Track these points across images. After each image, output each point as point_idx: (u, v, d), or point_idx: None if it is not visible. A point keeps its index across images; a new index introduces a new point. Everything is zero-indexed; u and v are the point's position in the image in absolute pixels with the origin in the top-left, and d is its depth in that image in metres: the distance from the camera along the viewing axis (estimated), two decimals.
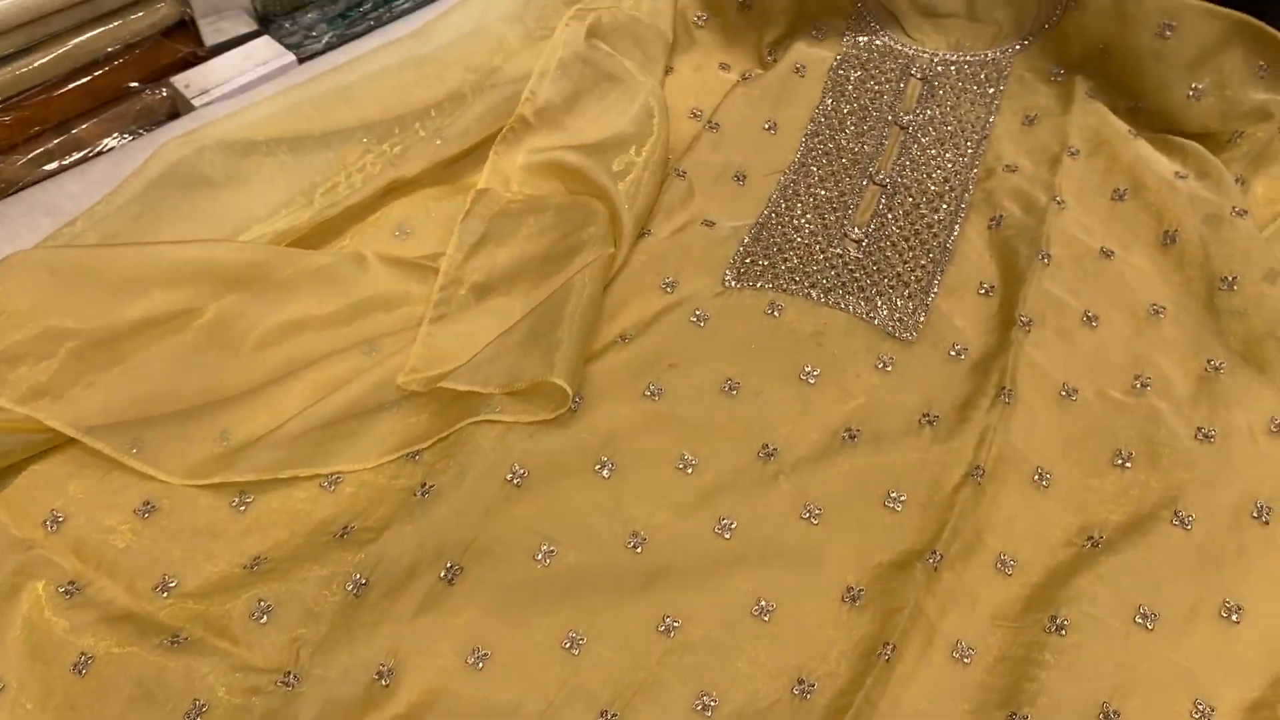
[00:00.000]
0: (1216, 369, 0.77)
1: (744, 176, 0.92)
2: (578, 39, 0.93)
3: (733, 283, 0.83)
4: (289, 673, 0.62)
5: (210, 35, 0.98)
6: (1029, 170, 0.90)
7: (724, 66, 1.03)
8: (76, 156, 0.93)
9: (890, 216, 0.88)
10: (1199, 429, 0.73)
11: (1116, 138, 0.91)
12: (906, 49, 1.00)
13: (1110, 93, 0.95)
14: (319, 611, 0.64)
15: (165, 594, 0.66)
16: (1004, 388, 0.74)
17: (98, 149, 0.94)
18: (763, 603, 0.65)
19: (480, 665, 0.62)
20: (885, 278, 0.83)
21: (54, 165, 0.91)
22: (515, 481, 0.69)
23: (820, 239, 0.87)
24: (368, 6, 1.08)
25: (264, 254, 0.79)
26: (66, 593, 0.65)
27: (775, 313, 0.81)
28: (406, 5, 1.11)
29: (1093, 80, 0.96)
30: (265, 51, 0.99)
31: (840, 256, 0.85)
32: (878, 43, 1.01)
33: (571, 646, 0.63)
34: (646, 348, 0.78)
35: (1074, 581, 0.66)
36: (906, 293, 0.82)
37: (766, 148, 0.95)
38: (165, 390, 0.74)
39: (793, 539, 0.69)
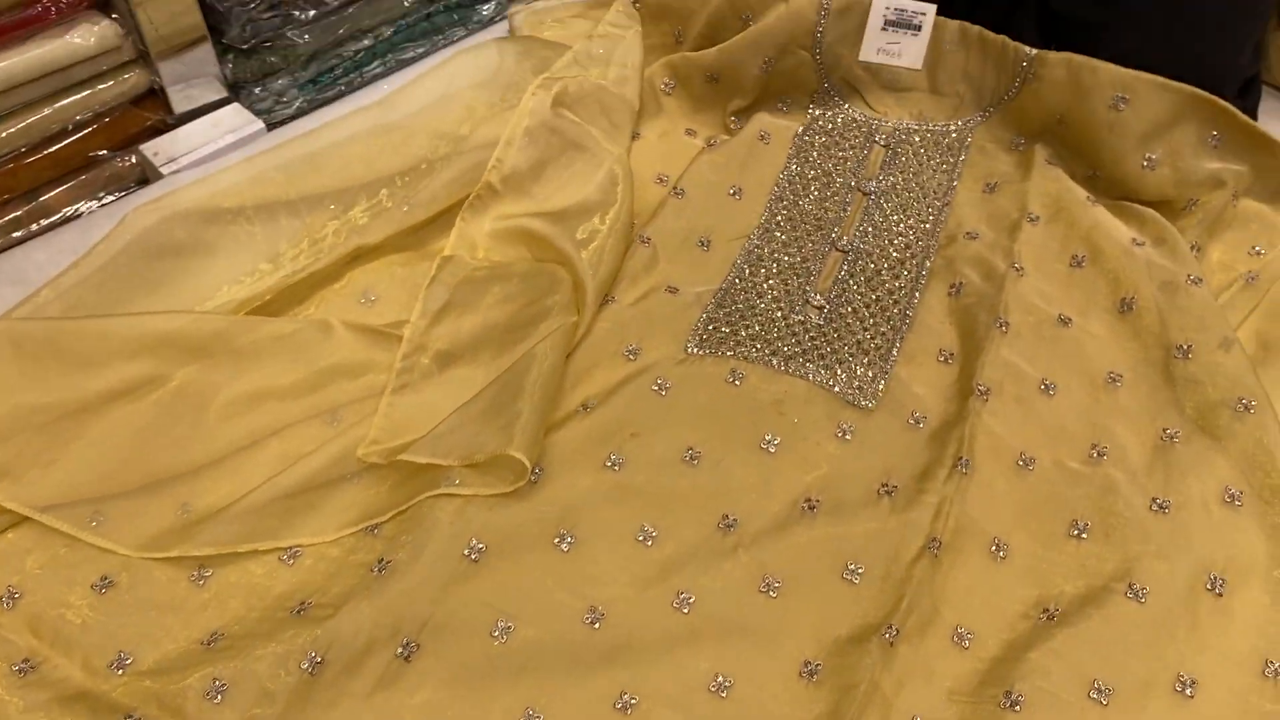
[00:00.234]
0: (1172, 438, 0.77)
1: (708, 242, 0.93)
2: (544, 108, 0.95)
3: (695, 350, 0.83)
4: None
5: (180, 102, 0.99)
6: (989, 237, 0.92)
7: (690, 132, 1.05)
8: (44, 224, 0.93)
9: (852, 283, 0.89)
10: (1154, 499, 0.74)
11: (1075, 204, 0.92)
12: (870, 119, 1.02)
13: (1069, 160, 0.97)
14: (274, 690, 0.64)
15: (121, 671, 0.65)
16: (961, 457, 0.75)
17: (65, 216, 0.94)
18: (720, 679, 0.65)
19: None
20: (846, 345, 0.84)
21: (21, 233, 0.92)
22: (473, 556, 0.69)
23: (783, 305, 0.87)
24: (339, 72, 1.09)
25: (226, 323, 0.79)
26: (20, 670, 0.65)
27: (737, 381, 0.81)
28: (377, 70, 1.12)
29: (1052, 148, 0.97)
30: (234, 119, 1.00)
31: (802, 323, 0.86)
32: (841, 115, 1.02)
33: None
34: (608, 417, 0.78)
35: (1028, 656, 0.66)
36: (866, 360, 0.83)
37: (731, 213, 0.96)
38: (128, 462, 0.75)
39: (751, 613, 0.69)
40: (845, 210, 0.95)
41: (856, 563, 0.71)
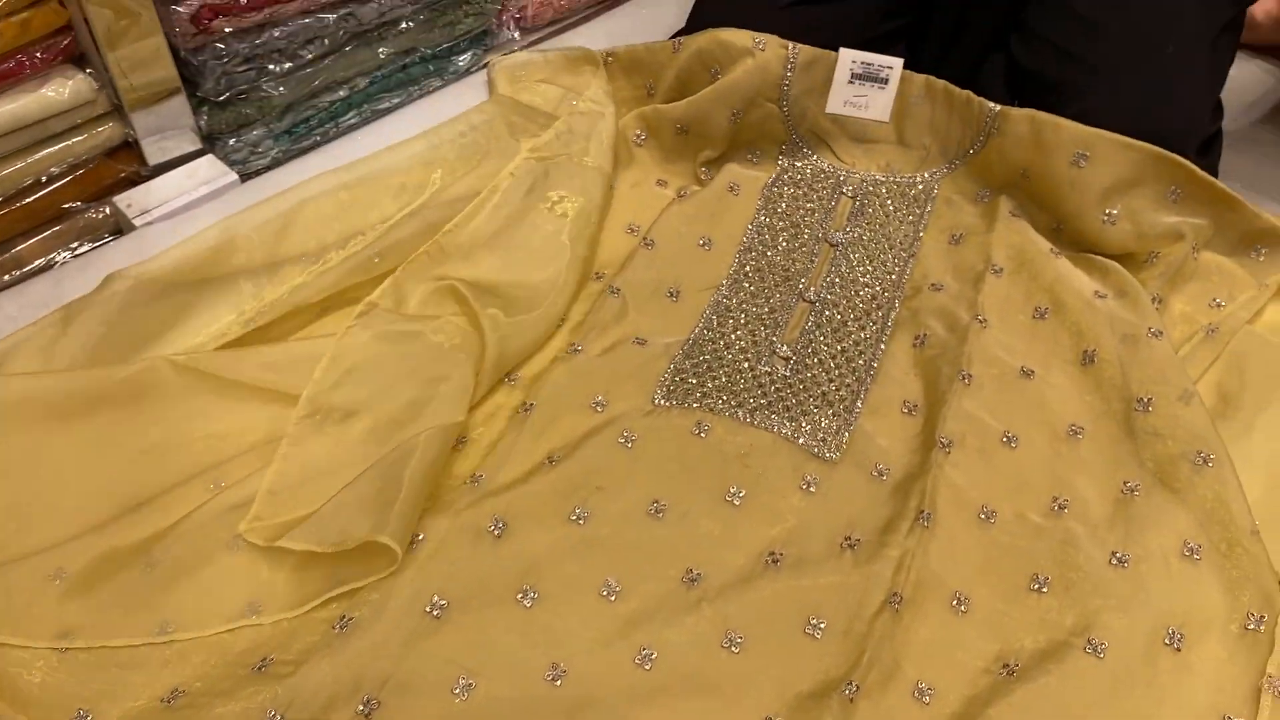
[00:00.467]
0: (1132, 491, 0.78)
1: (677, 293, 0.94)
2: (522, 184, 0.96)
3: (662, 401, 0.84)
4: None
5: (154, 154, 0.99)
6: (954, 288, 0.93)
7: (661, 183, 1.06)
8: (16, 274, 0.93)
9: (819, 334, 0.90)
10: (1114, 553, 0.74)
11: (1038, 256, 0.94)
12: (838, 170, 1.04)
13: (1034, 213, 0.98)
14: None
15: None
16: (923, 510, 0.75)
17: (38, 267, 0.95)
18: None
19: None
20: (811, 396, 0.85)
21: None
22: (435, 613, 0.69)
23: (750, 356, 0.88)
24: (314, 123, 1.10)
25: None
26: None
27: (702, 433, 0.82)
28: (353, 120, 1.13)
29: (1017, 200, 0.99)
30: (208, 170, 1.01)
31: (769, 374, 0.87)
32: (810, 166, 1.04)
33: None
34: (574, 470, 0.78)
35: (988, 712, 0.66)
36: (831, 412, 0.84)
37: (700, 263, 0.97)
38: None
39: (714, 669, 0.69)
40: (813, 261, 0.96)
41: (819, 617, 0.71)
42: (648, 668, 0.68)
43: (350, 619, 0.69)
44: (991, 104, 0.98)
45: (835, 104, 1.02)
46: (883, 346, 0.89)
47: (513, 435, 0.81)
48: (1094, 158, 0.92)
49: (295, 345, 0.86)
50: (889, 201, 1.01)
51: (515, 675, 0.67)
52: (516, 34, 1.25)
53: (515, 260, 0.92)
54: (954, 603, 0.72)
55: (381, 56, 1.11)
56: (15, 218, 0.95)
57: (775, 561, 0.74)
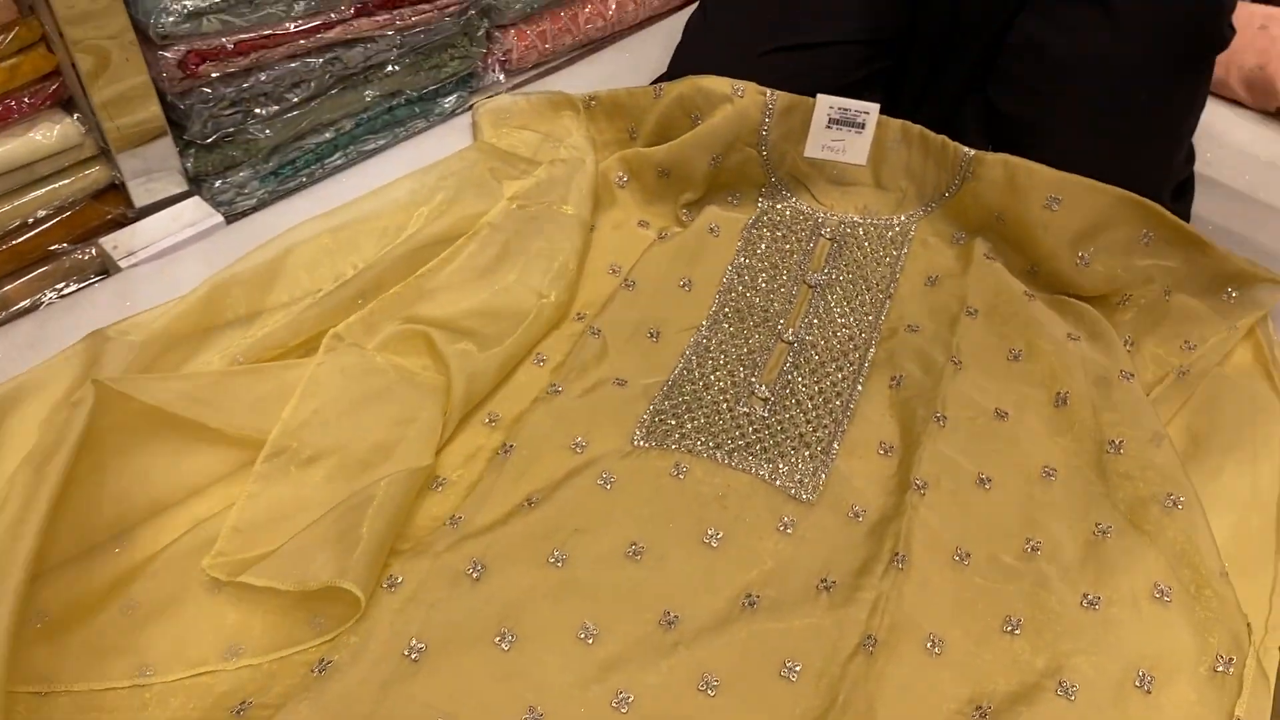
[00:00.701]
0: (1104, 533, 0.79)
1: (658, 333, 0.95)
2: (501, 231, 0.98)
3: (641, 442, 0.85)
4: None
5: (140, 196, 1.00)
6: (929, 330, 0.94)
7: (643, 224, 1.07)
8: (3, 315, 0.94)
9: (796, 374, 0.91)
10: (1085, 595, 0.75)
11: (1013, 299, 0.95)
12: (817, 213, 1.05)
13: (1009, 255, 1.00)
14: None
15: None
16: (898, 553, 0.76)
17: (23, 308, 0.95)
18: None
19: None
20: (789, 438, 0.86)
21: None
22: (413, 656, 0.70)
23: (729, 397, 0.89)
24: (300, 164, 1.11)
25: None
26: None
27: (681, 474, 0.83)
28: (339, 162, 1.15)
29: (992, 243, 1.00)
30: (194, 212, 1.02)
31: (747, 415, 0.88)
32: (789, 208, 1.05)
33: None
34: (553, 512, 0.79)
35: None
36: (808, 453, 0.85)
37: (681, 304, 0.98)
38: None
39: (690, 712, 0.69)
40: (791, 302, 0.98)
41: (794, 660, 0.72)
42: (624, 711, 0.69)
43: (329, 662, 0.69)
44: (966, 149, 1.00)
45: (813, 148, 1.04)
46: (859, 387, 0.90)
47: (492, 477, 0.82)
48: (1066, 201, 0.94)
49: (265, 378, 0.85)
50: (866, 243, 1.02)
51: (493, 719, 0.68)
52: (501, 76, 1.27)
53: (489, 299, 0.93)
54: (928, 645, 0.73)
55: (367, 99, 1.13)
56: (2, 259, 0.96)
57: (752, 604, 0.75)
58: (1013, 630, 0.74)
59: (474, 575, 0.74)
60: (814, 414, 0.88)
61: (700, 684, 0.70)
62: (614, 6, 1.35)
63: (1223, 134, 1.22)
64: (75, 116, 0.95)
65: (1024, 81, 1.05)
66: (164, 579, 0.74)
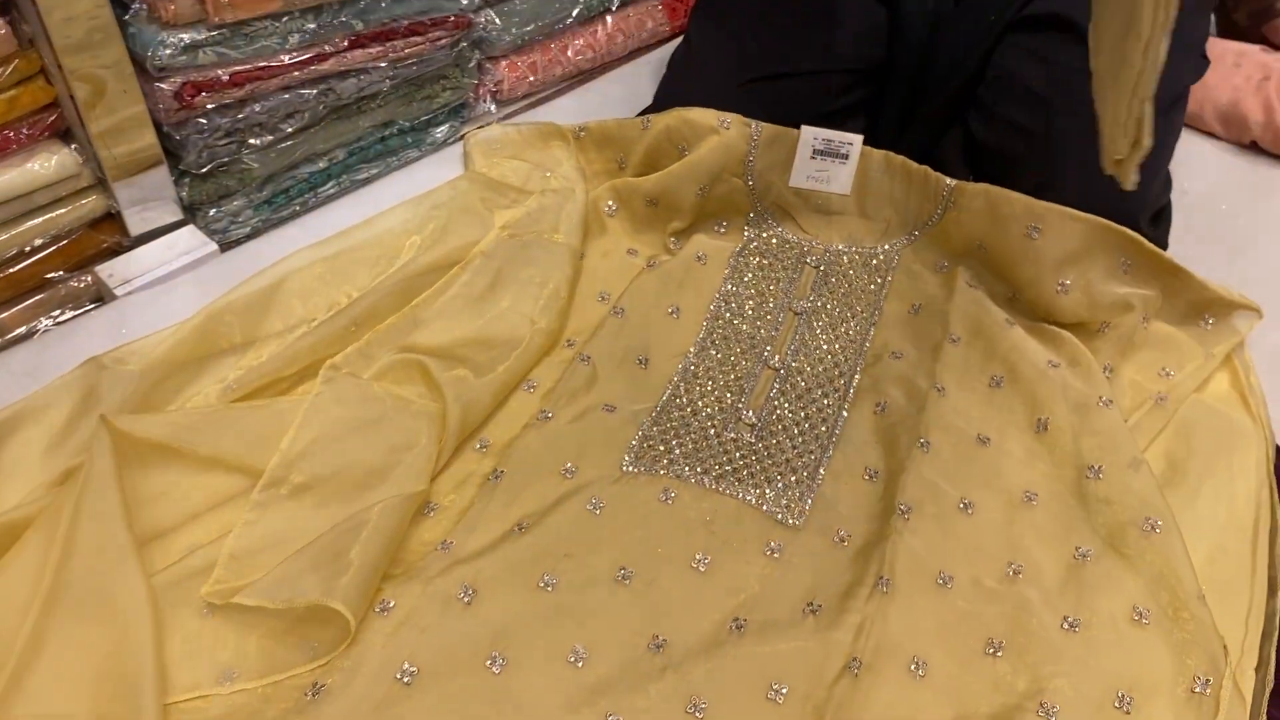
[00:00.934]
0: (1084, 556, 0.81)
1: (646, 360, 0.97)
2: (494, 259, 0.99)
3: (630, 468, 0.86)
4: None
5: (136, 224, 1.02)
6: (913, 356, 0.96)
7: (631, 252, 1.09)
8: None
9: (783, 400, 0.93)
10: (1065, 618, 0.77)
11: (994, 326, 0.97)
12: (802, 241, 1.07)
13: (991, 283, 1.02)
14: None
15: None
16: (882, 576, 0.78)
17: (19, 335, 0.97)
18: None
19: None
20: (775, 463, 0.87)
21: None
22: (405, 680, 0.71)
23: (716, 423, 0.91)
24: (293, 193, 1.13)
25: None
26: None
27: (669, 500, 0.84)
28: (332, 191, 1.16)
29: (974, 271, 1.02)
30: (188, 241, 1.03)
31: (734, 441, 0.89)
32: (775, 237, 1.07)
33: None
34: (543, 537, 0.80)
35: None
36: (794, 478, 0.86)
37: (669, 331, 1.00)
38: None
39: None
40: (777, 329, 0.99)
41: (780, 682, 0.73)
42: None
43: (322, 686, 0.70)
44: (947, 179, 1.02)
45: (798, 179, 1.06)
46: (845, 413, 0.92)
47: (483, 502, 0.83)
48: (1046, 230, 0.96)
49: (261, 412, 0.87)
50: (851, 271, 1.04)
51: None
52: (493, 107, 1.29)
53: (482, 327, 0.94)
54: (912, 667, 0.74)
55: (361, 129, 1.15)
56: None
57: (739, 627, 0.76)
58: (995, 652, 0.75)
59: (465, 599, 0.75)
60: (800, 440, 0.90)
61: (689, 706, 0.71)
62: (603, 39, 1.37)
63: (1200, 164, 1.24)
64: (73, 147, 0.97)
65: (1003, 113, 1.08)
66: (159, 603, 0.75)
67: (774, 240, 1.07)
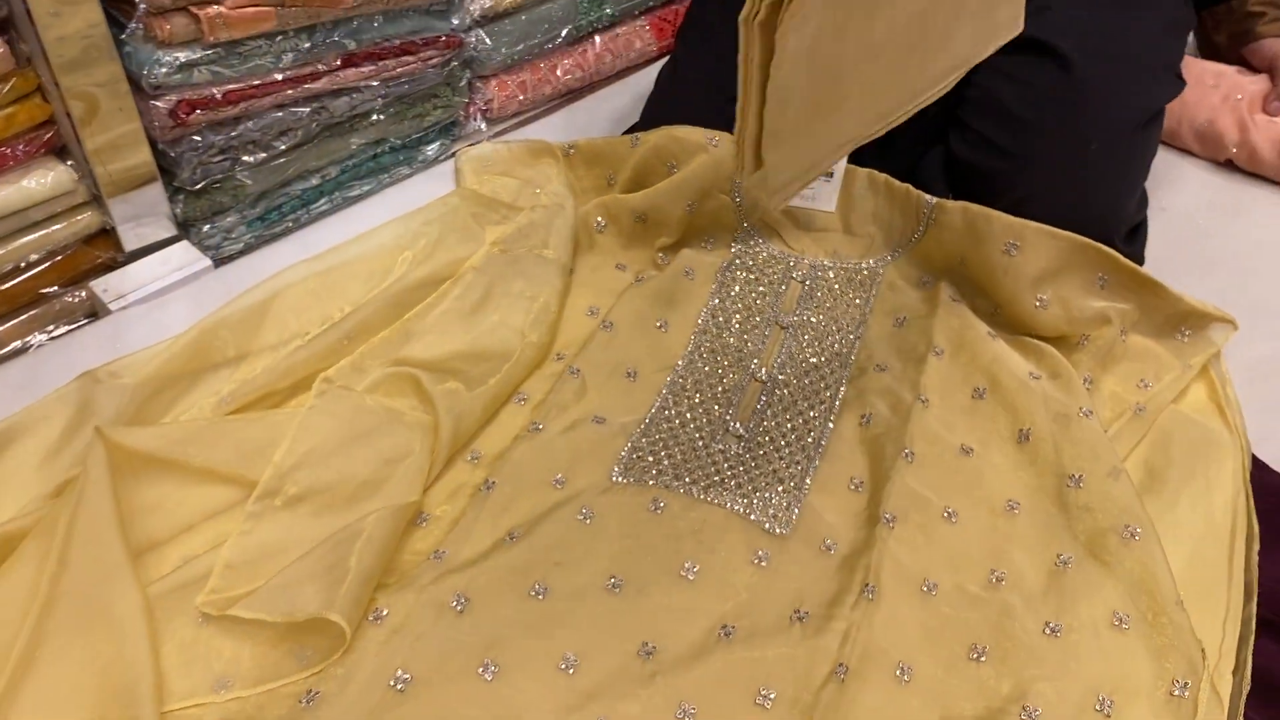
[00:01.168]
0: (1065, 563, 0.82)
1: (635, 373, 0.98)
2: (486, 274, 1.01)
3: (620, 479, 0.87)
4: None
5: (130, 240, 1.03)
6: (897, 369, 0.98)
7: (620, 267, 1.11)
8: None
9: (770, 412, 0.94)
10: (1047, 623, 0.78)
11: (976, 339, 0.99)
12: (788, 256, 1.09)
13: (972, 298, 1.04)
14: None
15: None
16: (868, 584, 0.79)
17: (14, 350, 0.97)
18: None
19: None
20: (763, 474, 0.89)
21: None
22: (399, 687, 0.72)
23: (704, 434, 0.92)
24: (286, 210, 1.14)
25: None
26: None
27: (658, 509, 0.85)
28: (324, 207, 1.18)
29: (956, 286, 1.04)
30: (182, 256, 1.04)
31: (722, 452, 0.91)
32: (762, 252, 1.09)
33: None
34: (534, 546, 0.82)
35: None
36: (781, 489, 0.87)
37: (657, 345, 1.01)
38: None
39: None
40: (764, 343, 1.01)
41: (768, 688, 0.74)
42: None
43: (316, 693, 0.71)
44: (929, 197, 1.04)
45: None
46: (831, 425, 0.93)
47: (475, 512, 0.84)
48: (1023, 246, 0.98)
49: (255, 425, 0.88)
50: (836, 286, 1.06)
51: None
52: (483, 125, 1.31)
53: (474, 340, 0.96)
54: (897, 672, 0.75)
55: (353, 146, 1.16)
56: None
57: (728, 634, 0.77)
58: (979, 657, 0.77)
59: (458, 607, 0.76)
60: (787, 451, 0.91)
61: (678, 711, 0.73)
62: (591, 59, 1.40)
63: (1176, 181, 1.27)
64: (69, 163, 0.98)
65: (981, 132, 1.10)
66: (154, 613, 0.76)
67: (761, 255, 1.09)
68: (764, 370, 0.98)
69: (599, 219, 1.12)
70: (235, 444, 0.85)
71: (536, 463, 0.89)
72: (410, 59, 1.14)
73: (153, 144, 1.02)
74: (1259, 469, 0.91)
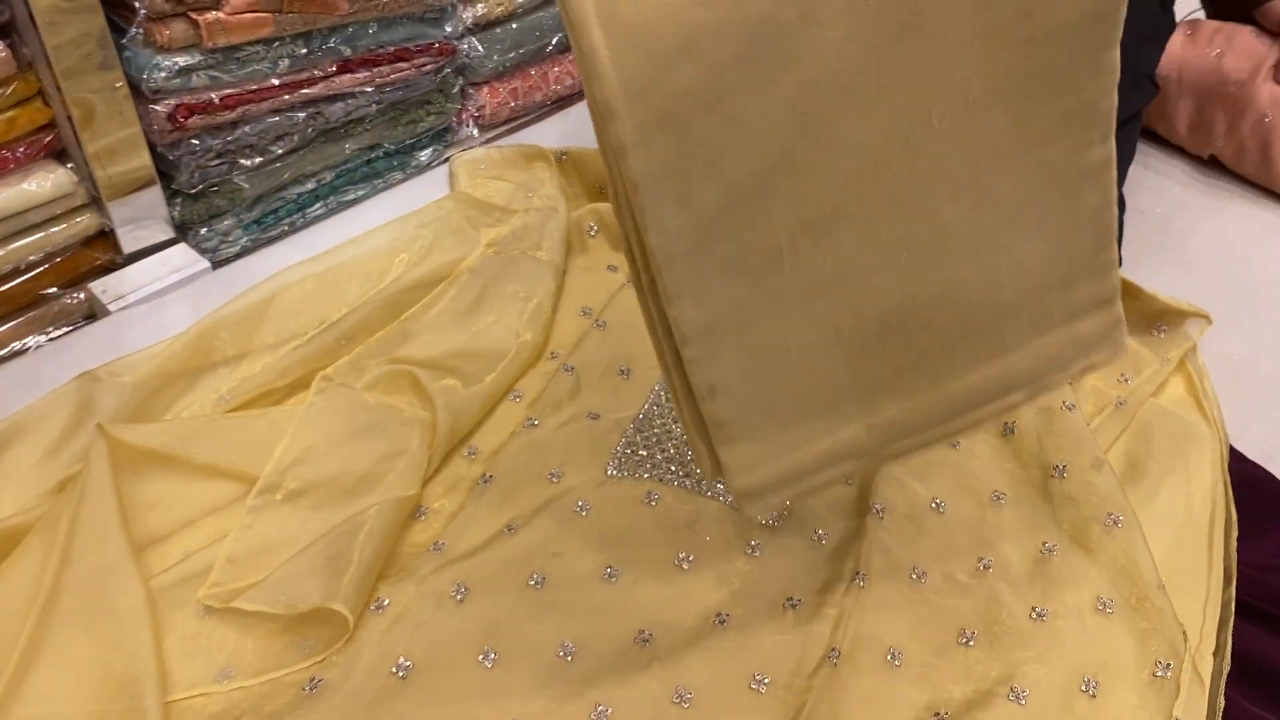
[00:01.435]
0: (1050, 551, 0.84)
1: (628, 371, 1.00)
2: (479, 277, 1.03)
3: (614, 473, 0.89)
4: None
5: (129, 243, 1.04)
6: None
7: (612, 268, 1.12)
8: None
9: None
10: (1033, 608, 0.80)
11: None
12: None
13: None
14: None
15: None
16: (858, 572, 0.81)
17: (13, 351, 0.98)
18: None
19: None
20: None
21: None
22: (400, 674, 0.73)
23: None
24: (282, 213, 1.16)
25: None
26: None
27: (653, 502, 0.87)
28: (320, 211, 1.19)
29: None
30: (180, 258, 1.06)
31: None
32: None
33: None
34: (532, 538, 0.83)
35: None
36: None
37: (649, 343, 1.03)
38: None
39: None
40: None
41: (762, 673, 0.76)
42: None
43: (320, 681, 0.72)
44: None
45: None
46: None
47: (473, 506, 0.86)
48: None
49: (255, 421, 0.89)
50: None
51: None
52: (475, 131, 1.33)
53: (469, 340, 0.98)
54: (888, 657, 0.77)
55: (348, 151, 1.18)
56: None
57: (722, 622, 0.79)
58: (967, 642, 0.79)
59: (457, 597, 0.78)
60: None
61: (674, 697, 0.74)
62: None
63: (1157, 186, 1.29)
64: (68, 166, 0.99)
65: None
66: (156, 606, 0.77)
67: None
68: None
69: (591, 224, 1.14)
70: (236, 440, 0.86)
71: (533, 457, 0.90)
72: (404, 65, 1.16)
73: (151, 148, 1.03)
74: (1236, 460, 0.94)
